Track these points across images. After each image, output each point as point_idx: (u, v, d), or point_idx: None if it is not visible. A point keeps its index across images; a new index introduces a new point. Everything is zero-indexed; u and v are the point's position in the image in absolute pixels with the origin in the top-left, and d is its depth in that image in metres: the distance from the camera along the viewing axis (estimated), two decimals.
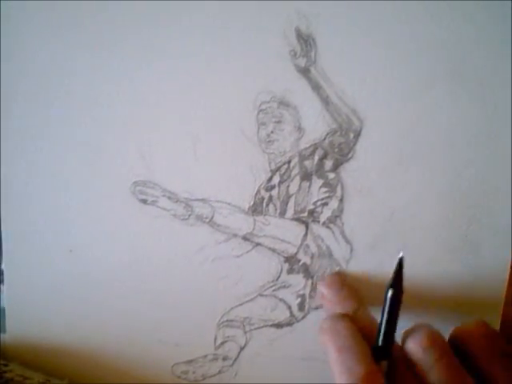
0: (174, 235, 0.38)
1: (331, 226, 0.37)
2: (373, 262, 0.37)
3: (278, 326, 0.39)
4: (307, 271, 0.38)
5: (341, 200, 0.37)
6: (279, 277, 0.38)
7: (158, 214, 0.37)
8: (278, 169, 0.37)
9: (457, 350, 0.32)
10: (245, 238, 0.38)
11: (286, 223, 0.38)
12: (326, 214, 0.37)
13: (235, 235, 0.38)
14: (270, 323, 0.39)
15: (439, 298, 0.38)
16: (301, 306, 0.39)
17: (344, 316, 0.34)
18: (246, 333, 0.39)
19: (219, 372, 0.40)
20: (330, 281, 0.37)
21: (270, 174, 0.37)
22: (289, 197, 0.37)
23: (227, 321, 0.39)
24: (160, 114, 0.36)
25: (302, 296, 0.39)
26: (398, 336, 0.32)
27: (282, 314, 0.39)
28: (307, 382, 0.40)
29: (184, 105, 0.36)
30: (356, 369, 0.30)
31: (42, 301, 0.40)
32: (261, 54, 0.35)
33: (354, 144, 0.36)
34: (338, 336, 0.32)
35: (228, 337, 0.40)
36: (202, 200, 0.37)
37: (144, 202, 0.37)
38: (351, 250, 0.38)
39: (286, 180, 0.37)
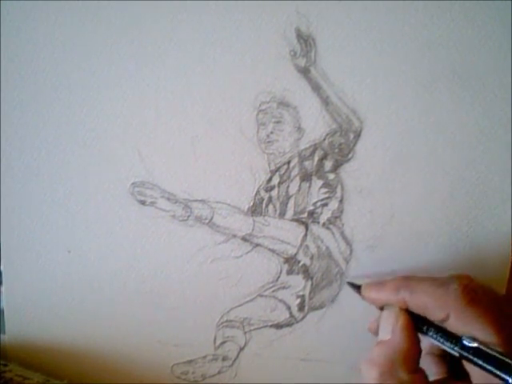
0: (173, 236, 0.38)
1: (331, 226, 0.37)
2: (373, 263, 0.37)
3: (278, 326, 0.39)
4: (307, 272, 0.38)
5: (341, 201, 0.37)
6: (279, 277, 0.38)
7: (157, 214, 0.37)
8: (278, 169, 0.37)
9: None
10: (244, 239, 0.38)
11: (286, 224, 0.38)
12: (326, 214, 0.37)
13: (234, 236, 0.38)
14: (270, 324, 0.39)
15: None
16: (300, 307, 0.39)
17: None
18: (245, 333, 0.39)
19: (219, 372, 0.40)
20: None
21: (269, 175, 0.37)
22: (288, 197, 0.37)
23: (227, 321, 0.39)
24: (159, 115, 0.36)
25: (302, 297, 0.39)
26: None
27: (281, 315, 0.39)
28: (307, 383, 0.40)
29: (183, 105, 0.36)
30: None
31: (41, 301, 0.39)
32: (261, 54, 0.35)
33: (354, 144, 0.36)
34: None
35: (228, 337, 0.39)
36: (202, 201, 0.37)
37: (143, 203, 0.37)
38: (351, 251, 0.38)
39: (285, 181, 0.37)
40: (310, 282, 0.38)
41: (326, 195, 0.37)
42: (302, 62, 0.35)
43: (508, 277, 0.37)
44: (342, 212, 0.37)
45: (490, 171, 0.36)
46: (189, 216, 0.37)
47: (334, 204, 0.37)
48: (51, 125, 0.36)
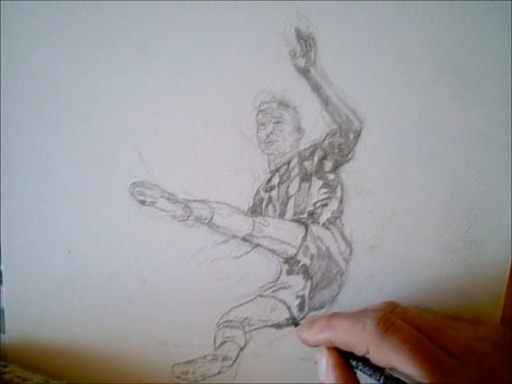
0: (173, 236, 0.38)
1: (331, 227, 0.37)
2: (373, 264, 0.37)
3: (278, 326, 0.39)
4: (307, 272, 0.38)
5: (340, 201, 0.37)
6: (279, 278, 0.38)
7: (157, 215, 0.37)
8: (278, 170, 0.37)
9: None
10: (244, 239, 0.38)
11: (286, 224, 0.38)
12: (326, 215, 0.37)
13: (234, 236, 0.38)
14: (270, 324, 0.39)
15: (440, 298, 0.38)
16: (300, 307, 0.39)
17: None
18: (245, 333, 0.39)
19: (219, 372, 0.40)
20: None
21: (269, 175, 0.37)
22: (288, 198, 0.37)
23: (227, 321, 0.39)
24: (159, 115, 0.36)
25: (302, 297, 0.39)
26: None
27: (281, 315, 0.39)
28: (307, 383, 0.40)
29: (183, 105, 0.36)
30: None
31: (41, 302, 0.39)
32: (261, 54, 0.35)
33: (354, 145, 0.36)
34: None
35: (228, 337, 0.39)
36: (201, 201, 0.37)
37: (143, 203, 0.37)
38: (351, 251, 0.38)
39: (285, 181, 0.37)
40: (309, 282, 0.38)
41: (326, 195, 0.37)
42: (302, 62, 0.35)
43: (508, 277, 0.37)
44: (341, 212, 0.37)
45: (490, 171, 0.36)
46: (189, 216, 0.37)
47: (333, 204, 0.37)
48: (51, 125, 0.36)
